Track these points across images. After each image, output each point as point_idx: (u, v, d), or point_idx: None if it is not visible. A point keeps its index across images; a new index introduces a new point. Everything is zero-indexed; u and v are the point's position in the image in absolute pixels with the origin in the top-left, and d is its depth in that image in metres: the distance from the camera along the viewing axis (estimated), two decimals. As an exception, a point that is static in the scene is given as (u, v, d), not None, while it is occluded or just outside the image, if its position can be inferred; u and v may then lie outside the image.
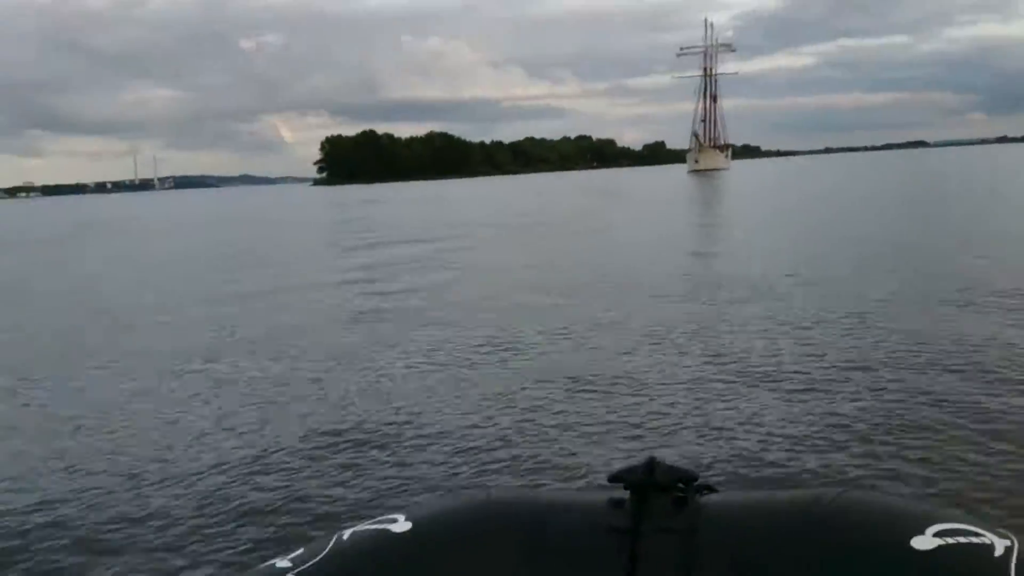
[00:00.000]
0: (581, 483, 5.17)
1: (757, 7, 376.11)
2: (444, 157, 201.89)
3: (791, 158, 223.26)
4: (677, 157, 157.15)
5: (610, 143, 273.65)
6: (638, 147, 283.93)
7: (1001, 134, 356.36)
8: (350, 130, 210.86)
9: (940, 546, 1.14)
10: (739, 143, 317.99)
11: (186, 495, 5.36)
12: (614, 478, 1.42)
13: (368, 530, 1.41)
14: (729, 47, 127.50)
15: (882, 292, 11.00)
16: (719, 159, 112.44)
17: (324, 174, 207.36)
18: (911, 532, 1.19)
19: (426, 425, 6.53)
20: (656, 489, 1.38)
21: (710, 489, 1.47)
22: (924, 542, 1.16)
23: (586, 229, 23.98)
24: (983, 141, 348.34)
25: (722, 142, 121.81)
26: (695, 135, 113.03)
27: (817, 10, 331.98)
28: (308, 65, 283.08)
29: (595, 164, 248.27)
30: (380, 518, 1.44)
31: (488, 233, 26.37)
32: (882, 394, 6.61)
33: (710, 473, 5.06)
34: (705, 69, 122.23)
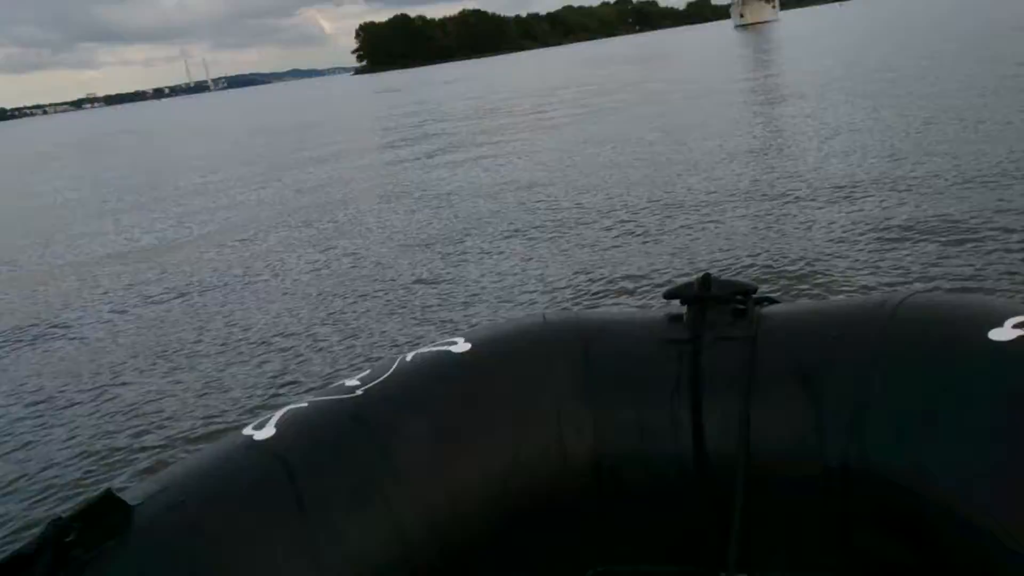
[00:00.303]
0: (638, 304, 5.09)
1: None
2: (480, 34, 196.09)
3: (845, 3, 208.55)
4: (723, 13, 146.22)
5: (652, 3, 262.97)
6: (682, 6, 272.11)
7: None
8: (384, 16, 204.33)
9: (1020, 336, 1.11)
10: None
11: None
12: (670, 294, 1.44)
13: (430, 352, 1.44)
14: None
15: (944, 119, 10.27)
16: (766, 10, 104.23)
17: (364, 62, 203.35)
18: (989, 325, 1.16)
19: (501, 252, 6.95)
20: (712, 302, 1.39)
21: (771, 300, 1.47)
22: (1003, 333, 1.13)
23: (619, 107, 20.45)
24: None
25: None
26: None
27: None
28: None
29: (637, 28, 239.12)
30: (441, 341, 1.47)
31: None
32: (947, 201, 6.36)
33: (774, 288, 4.88)
34: None
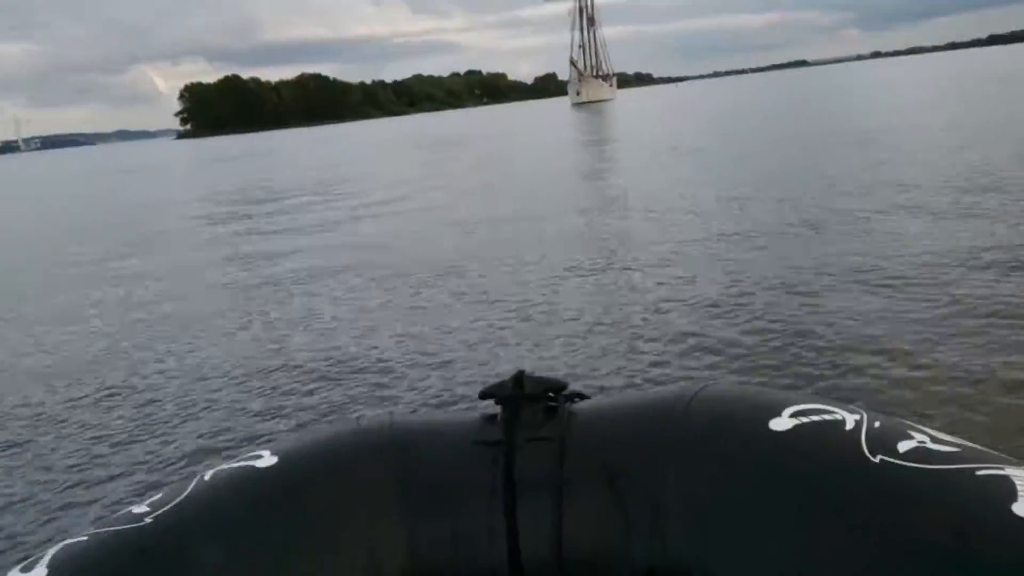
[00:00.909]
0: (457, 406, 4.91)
1: None
2: (319, 100, 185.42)
3: (680, 84, 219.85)
4: (566, 89, 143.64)
5: (501, 77, 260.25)
6: (530, 80, 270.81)
7: (875, 50, 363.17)
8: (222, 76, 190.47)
9: (796, 425, 1.19)
10: (631, 71, 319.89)
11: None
12: (485, 394, 1.43)
13: (232, 468, 1.36)
14: None
15: (764, 213, 10.13)
16: (603, 89, 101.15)
17: (188, 126, 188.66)
18: (769, 415, 1.23)
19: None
20: (526, 400, 1.40)
21: (580, 396, 1.49)
22: (781, 423, 1.20)
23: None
24: (859, 57, 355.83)
25: (605, 71, 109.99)
26: (573, 64, 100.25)
27: None
28: (178, 8, 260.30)
29: (485, 100, 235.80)
30: (244, 455, 1.40)
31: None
32: (755, 306, 6.21)
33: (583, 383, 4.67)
34: None
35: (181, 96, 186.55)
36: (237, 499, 1.28)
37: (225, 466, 1.37)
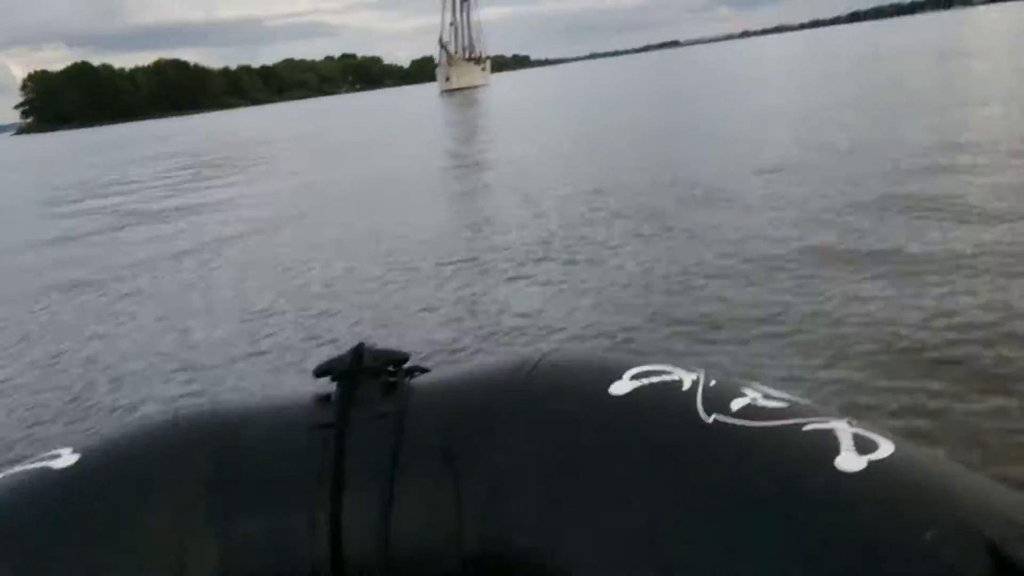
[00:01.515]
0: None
1: None
2: (178, 89, 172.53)
3: (557, 66, 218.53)
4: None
5: (375, 61, 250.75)
6: (407, 64, 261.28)
7: (744, 28, 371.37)
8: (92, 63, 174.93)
9: (635, 388, 1.18)
10: (508, 53, 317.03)
11: None
12: (320, 371, 1.34)
13: (25, 471, 1.24)
14: None
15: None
16: (475, 74, 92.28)
17: (31, 119, 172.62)
18: (610, 379, 1.21)
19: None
20: (364, 375, 1.32)
21: (422, 370, 1.42)
22: (621, 386, 1.19)
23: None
24: (729, 37, 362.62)
25: (479, 53, 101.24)
26: (443, 47, 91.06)
27: None
28: None
29: (358, 86, 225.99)
30: (42, 455, 1.27)
31: None
32: (621, 266, 6.34)
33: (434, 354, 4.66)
34: None
35: (24, 86, 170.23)
36: (28, 506, 1.16)
37: (20, 468, 1.24)
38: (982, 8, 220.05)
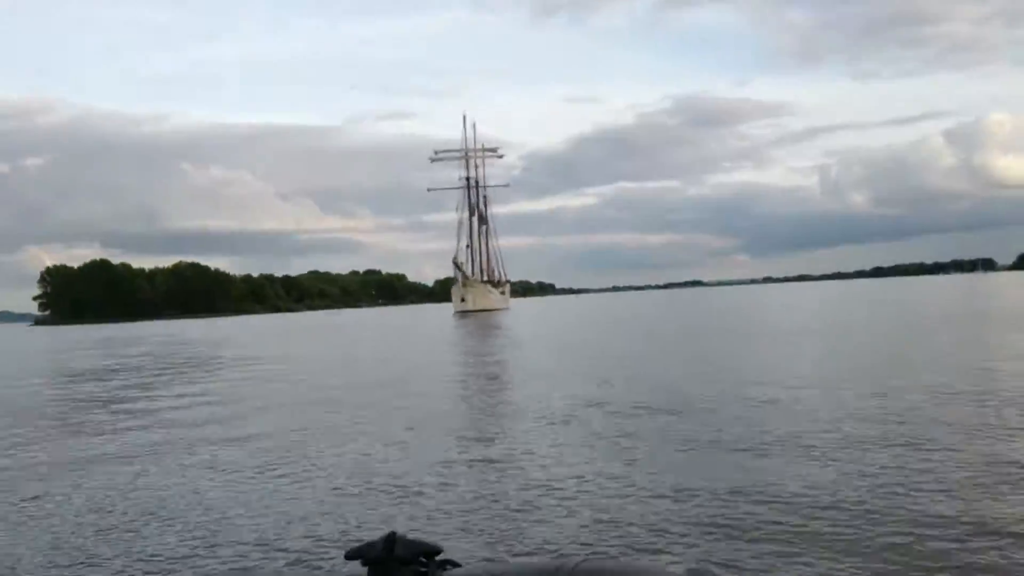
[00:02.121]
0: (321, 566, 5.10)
1: (542, 147, 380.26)
2: (196, 291, 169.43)
3: (581, 296, 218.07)
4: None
5: (399, 277, 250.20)
6: (431, 283, 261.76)
7: (766, 275, 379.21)
8: (135, 263, 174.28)
9: None
10: (535, 280, 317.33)
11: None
12: (351, 555, 1.39)
13: None
14: (495, 152, 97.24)
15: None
16: (492, 296, 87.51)
17: (48, 312, 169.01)
18: None
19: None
20: (396, 564, 1.35)
21: (452, 564, 1.44)
22: None
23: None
24: (752, 281, 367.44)
25: (498, 276, 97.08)
26: (458, 267, 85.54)
27: (597, 153, 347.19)
28: (77, 191, 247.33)
29: (380, 300, 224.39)
30: None
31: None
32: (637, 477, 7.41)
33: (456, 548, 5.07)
34: (468, 179, 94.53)
35: (42, 279, 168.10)
36: None
37: None
38: (1004, 274, 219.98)
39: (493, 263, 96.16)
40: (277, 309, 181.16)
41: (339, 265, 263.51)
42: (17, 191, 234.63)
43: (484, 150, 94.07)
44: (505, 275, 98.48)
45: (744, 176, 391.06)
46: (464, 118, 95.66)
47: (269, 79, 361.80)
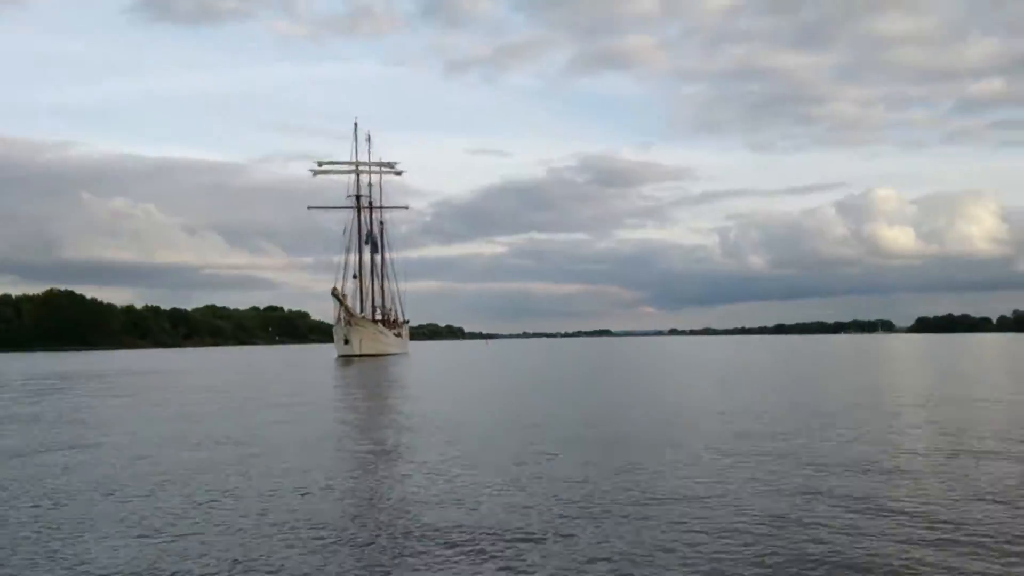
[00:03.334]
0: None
1: (453, 195, 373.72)
2: (72, 322, 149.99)
3: (490, 342, 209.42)
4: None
5: (303, 315, 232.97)
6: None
7: (672, 327, 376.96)
8: (30, 291, 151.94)
9: None
10: (443, 324, 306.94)
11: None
12: None
13: None
14: (392, 168, 78.59)
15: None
16: (385, 339, 72.53)
17: None
18: None
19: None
20: None
21: None
22: None
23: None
24: (658, 332, 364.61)
25: (395, 316, 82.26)
26: (338, 298, 65.57)
27: (508, 204, 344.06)
28: None
29: (278, 338, 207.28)
30: None
31: None
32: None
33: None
34: (358, 197, 76.60)
35: None
36: None
37: None
38: (903, 336, 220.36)
39: (389, 300, 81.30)
40: (162, 344, 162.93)
41: (246, 302, 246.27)
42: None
43: (380, 165, 77.67)
44: (403, 315, 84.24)
45: (648, 234, 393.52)
46: (355, 126, 76.32)
47: (179, 114, 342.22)
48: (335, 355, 64.69)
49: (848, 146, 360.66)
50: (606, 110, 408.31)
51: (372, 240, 77.22)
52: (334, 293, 65.23)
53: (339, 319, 65.33)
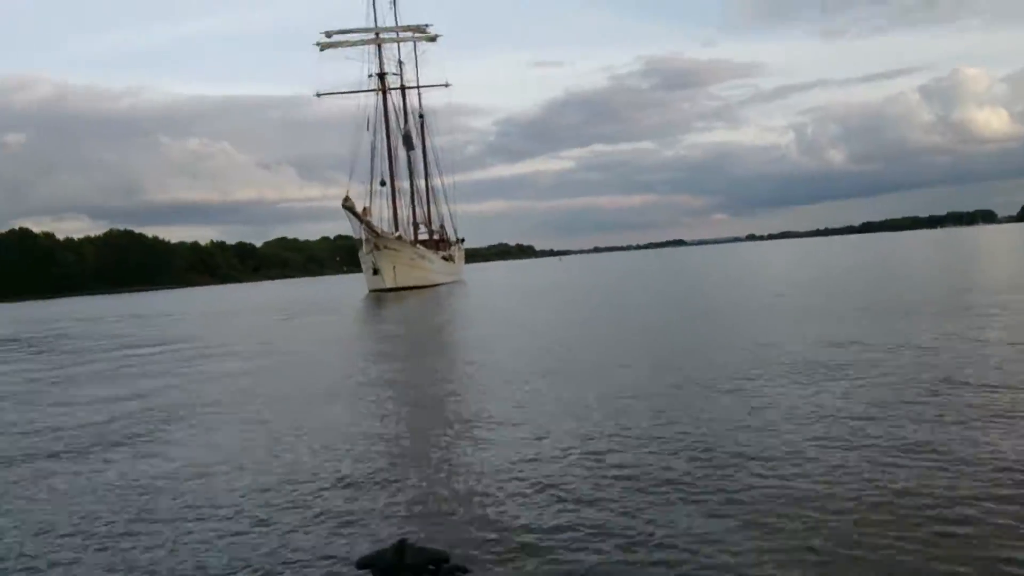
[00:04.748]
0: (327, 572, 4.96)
1: (516, 111, 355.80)
2: (130, 262, 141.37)
3: (563, 258, 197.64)
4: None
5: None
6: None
7: (749, 232, 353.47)
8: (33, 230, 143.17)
9: None
10: (513, 242, 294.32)
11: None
12: (362, 564, 1.38)
13: None
14: (425, 33, 57.34)
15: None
16: (428, 265, 55.04)
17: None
18: None
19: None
20: (407, 572, 1.35)
21: (462, 570, 1.47)
22: None
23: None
24: (735, 239, 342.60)
25: (443, 233, 65.53)
26: (355, 214, 46.74)
27: (572, 118, 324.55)
28: (60, 166, 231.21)
29: (345, 268, 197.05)
30: None
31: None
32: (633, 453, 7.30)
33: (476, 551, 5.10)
34: (381, 76, 55.66)
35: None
36: None
37: None
38: (1007, 227, 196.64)
39: (435, 212, 63.95)
40: (227, 280, 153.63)
41: (319, 233, 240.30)
42: (0, 167, 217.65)
43: (408, 29, 56.34)
44: (456, 231, 67.81)
45: (717, 136, 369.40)
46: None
47: (241, 50, 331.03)
48: (366, 291, 50.91)
49: (929, 24, 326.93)
50: (669, 7, 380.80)
51: (406, 135, 57.54)
52: (346, 205, 46.17)
53: (365, 242, 48.26)
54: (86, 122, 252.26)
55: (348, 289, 56.40)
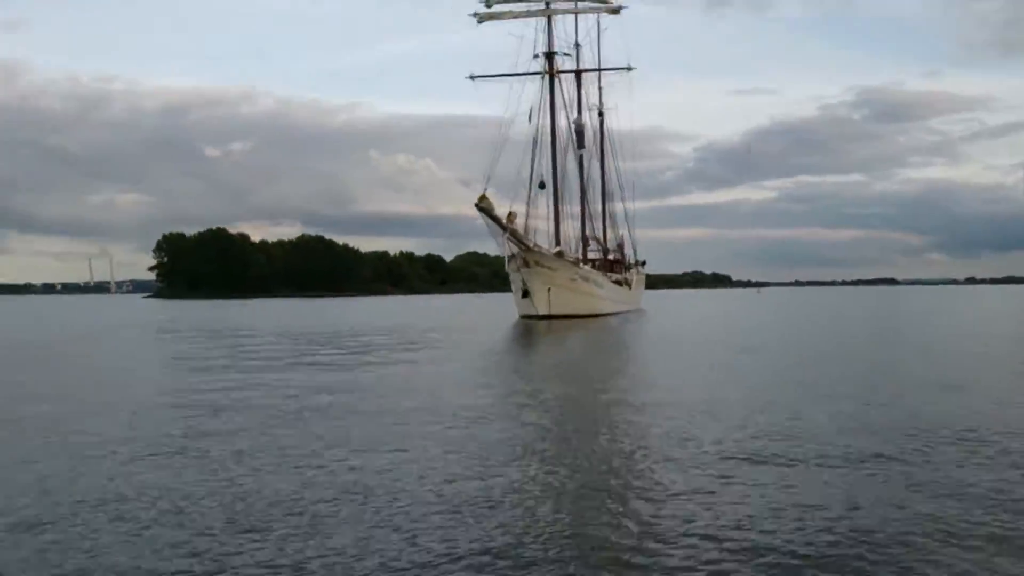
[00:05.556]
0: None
1: (717, 139, 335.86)
2: (319, 267, 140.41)
3: (761, 291, 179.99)
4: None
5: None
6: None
7: (968, 275, 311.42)
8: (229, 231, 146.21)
9: None
10: (708, 271, 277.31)
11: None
12: None
13: None
14: (607, 3, 43.45)
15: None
16: (594, 291, 43.04)
17: (164, 283, 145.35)
18: None
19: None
20: None
21: None
22: None
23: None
24: (953, 281, 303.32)
25: (618, 254, 54.40)
26: (488, 212, 34.52)
27: (776, 146, 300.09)
28: (279, 175, 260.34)
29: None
30: None
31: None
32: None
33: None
34: (549, 55, 42.44)
35: (158, 248, 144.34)
36: None
37: None
38: None
39: (610, 227, 52.75)
40: (413, 291, 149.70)
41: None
42: (227, 173, 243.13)
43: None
44: (635, 251, 56.90)
45: (935, 172, 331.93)
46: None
47: (444, 73, 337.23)
48: (517, 316, 40.38)
49: None
50: (887, 37, 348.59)
51: (578, 128, 45.41)
52: (480, 205, 34.71)
53: (513, 258, 36.70)
54: (306, 135, 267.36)
55: (507, 310, 45.95)
